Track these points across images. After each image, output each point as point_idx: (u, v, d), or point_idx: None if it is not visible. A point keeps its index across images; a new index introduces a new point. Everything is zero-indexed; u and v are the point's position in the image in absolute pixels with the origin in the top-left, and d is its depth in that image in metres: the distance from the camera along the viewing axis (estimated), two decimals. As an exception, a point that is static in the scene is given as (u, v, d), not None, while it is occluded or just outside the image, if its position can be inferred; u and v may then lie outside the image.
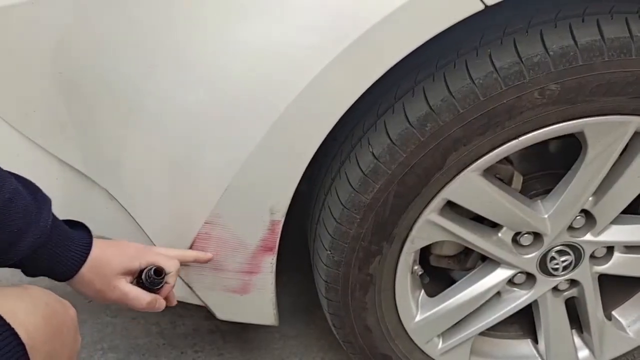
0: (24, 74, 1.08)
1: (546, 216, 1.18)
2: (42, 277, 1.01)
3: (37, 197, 0.95)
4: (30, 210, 0.92)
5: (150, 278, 1.07)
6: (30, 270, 0.99)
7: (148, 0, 1.00)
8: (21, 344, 0.71)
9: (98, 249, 1.03)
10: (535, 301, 1.33)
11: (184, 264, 1.15)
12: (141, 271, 1.08)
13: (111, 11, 1.02)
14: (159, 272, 1.08)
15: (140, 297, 1.07)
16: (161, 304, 1.10)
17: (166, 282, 1.10)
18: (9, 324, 0.71)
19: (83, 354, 1.56)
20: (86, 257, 1.02)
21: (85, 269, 1.02)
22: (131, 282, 1.08)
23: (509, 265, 1.26)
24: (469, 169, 1.08)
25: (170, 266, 1.10)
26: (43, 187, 1.19)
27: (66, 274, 1.01)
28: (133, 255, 1.07)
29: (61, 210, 1.23)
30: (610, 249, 1.30)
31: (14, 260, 0.94)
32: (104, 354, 1.58)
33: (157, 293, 1.10)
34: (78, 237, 1.02)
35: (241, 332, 1.64)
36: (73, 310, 0.86)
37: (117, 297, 1.06)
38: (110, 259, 1.04)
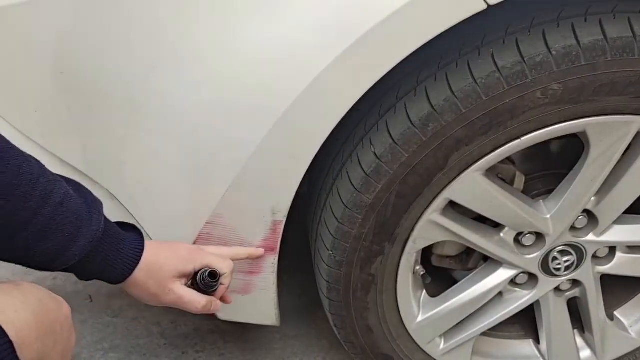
0: (25, 74, 1.08)
1: (548, 216, 1.18)
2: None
3: (87, 200, 0.95)
4: (81, 214, 0.91)
5: (205, 281, 1.07)
6: (83, 274, 0.99)
7: (151, 0, 1.00)
8: (9, 342, 0.70)
9: (151, 252, 1.03)
10: (537, 301, 1.33)
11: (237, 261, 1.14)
12: (196, 274, 1.07)
13: (112, 11, 1.02)
14: (214, 274, 1.08)
15: (196, 300, 1.07)
16: (217, 305, 1.11)
17: (221, 284, 1.09)
18: None
19: (84, 354, 1.56)
20: (139, 260, 1.01)
21: (138, 272, 1.01)
22: (186, 285, 1.07)
23: (511, 265, 1.25)
24: (471, 169, 1.07)
25: (224, 267, 1.09)
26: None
27: (119, 277, 1.01)
28: (187, 257, 1.06)
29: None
30: (612, 249, 1.29)
31: (67, 265, 0.93)
32: (105, 354, 1.58)
33: (212, 295, 1.10)
34: (130, 239, 1.02)
35: (242, 332, 1.63)
36: (67, 308, 0.84)
37: (172, 301, 1.06)
38: (163, 262, 1.04)
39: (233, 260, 1.11)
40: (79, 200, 0.92)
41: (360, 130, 1.10)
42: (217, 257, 1.09)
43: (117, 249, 0.99)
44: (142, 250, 1.02)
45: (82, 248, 0.92)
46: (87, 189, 0.97)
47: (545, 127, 1.04)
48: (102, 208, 0.98)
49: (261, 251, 1.13)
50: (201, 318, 1.66)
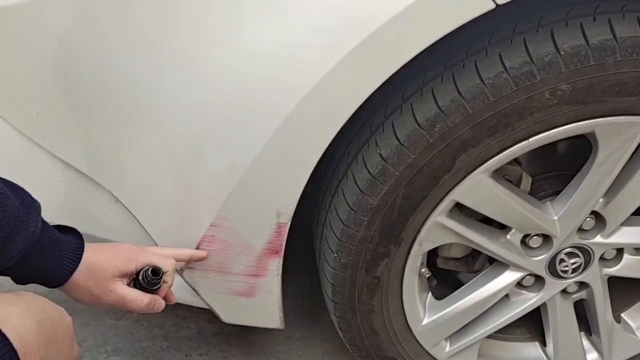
0: (27, 75, 1.07)
1: (555, 218, 1.17)
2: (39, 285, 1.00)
3: (25, 201, 0.92)
4: (18, 214, 0.89)
5: (148, 278, 1.05)
6: (21, 277, 0.97)
7: (152, 1, 0.99)
8: (13, 350, 0.69)
9: (91, 253, 1.01)
10: (544, 304, 1.32)
11: (180, 261, 1.14)
12: (138, 272, 1.06)
13: (115, 11, 1.01)
14: (156, 272, 1.06)
15: (139, 298, 1.05)
16: (160, 304, 1.09)
17: (164, 282, 1.08)
18: (0, 330, 0.69)
19: (86, 357, 1.55)
20: (78, 262, 0.99)
21: (78, 274, 1.00)
22: (128, 284, 1.06)
23: (518, 267, 1.24)
24: (478, 170, 1.06)
25: (166, 265, 1.08)
26: (46, 189, 1.18)
27: (58, 280, 0.99)
28: (127, 257, 1.05)
29: (64, 212, 1.23)
30: (619, 251, 1.28)
31: (3, 267, 0.91)
32: (108, 357, 1.56)
33: (156, 293, 1.08)
34: (69, 241, 1.00)
35: (245, 334, 1.62)
36: (69, 318, 0.84)
37: (115, 301, 1.04)
38: (104, 262, 1.02)
39: (176, 260, 1.11)
40: (15, 200, 0.90)
41: (366, 132, 1.09)
42: (159, 256, 1.08)
43: (55, 251, 0.97)
44: (82, 251, 1.00)
45: (19, 249, 0.90)
46: (24, 190, 0.94)
47: (553, 128, 1.03)
48: (40, 209, 0.96)
49: (204, 253, 1.13)
50: (204, 321, 1.65)
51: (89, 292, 1.02)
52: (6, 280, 1.67)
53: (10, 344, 0.69)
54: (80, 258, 1.00)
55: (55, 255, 0.97)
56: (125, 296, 1.04)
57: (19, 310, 0.73)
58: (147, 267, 1.06)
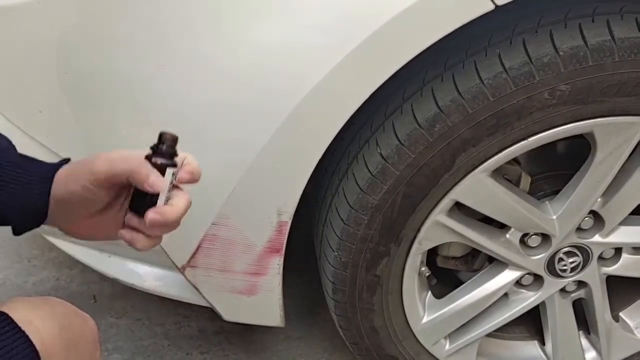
0: (30, 74, 1.07)
1: (554, 217, 1.18)
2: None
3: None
4: None
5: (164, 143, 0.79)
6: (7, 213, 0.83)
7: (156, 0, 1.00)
8: (35, 352, 0.70)
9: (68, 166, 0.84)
10: (543, 302, 1.33)
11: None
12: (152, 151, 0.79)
13: (118, 10, 1.01)
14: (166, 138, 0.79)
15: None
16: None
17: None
18: (23, 331, 0.70)
19: (87, 355, 1.56)
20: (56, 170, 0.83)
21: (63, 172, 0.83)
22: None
23: (517, 266, 1.25)
24: (477, 169, 1.07)
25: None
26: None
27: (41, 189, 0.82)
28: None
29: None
30: (618, 250, 1.29)
31: None
32: (109, 356, 1.57)
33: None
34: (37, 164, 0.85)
35: (246, 333, 1.63)
36: (92, 323, 0.83)
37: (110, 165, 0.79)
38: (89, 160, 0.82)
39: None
40: None
41: (366, 131, 1.10)
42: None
43: (23, 170, 0.82)
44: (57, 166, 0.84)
45: None
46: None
47: (552, 128, 1.04)
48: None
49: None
50: (205, 319, 1.66)
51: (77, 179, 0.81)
52: (8, 280, 1.68)
53: (33, 345, 0.70)
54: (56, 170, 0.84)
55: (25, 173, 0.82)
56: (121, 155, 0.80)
57: (43, 314, 0.74)
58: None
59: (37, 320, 0.72)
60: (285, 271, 1.19)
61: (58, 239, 1.40)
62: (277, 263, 1.16)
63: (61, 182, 0.82)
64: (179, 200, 0.80)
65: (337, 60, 0.93)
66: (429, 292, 1.30)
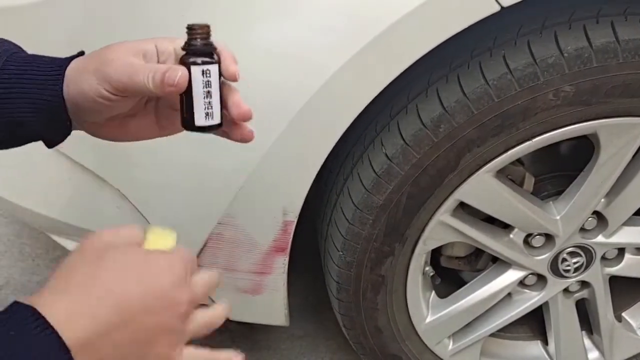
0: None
1: (558, 218, 1.18)
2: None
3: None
4: None
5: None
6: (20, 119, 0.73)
7: (161, 1, 1.00)
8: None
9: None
10: (546, 302, 1.33)
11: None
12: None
13: (123, 12, 1.02)
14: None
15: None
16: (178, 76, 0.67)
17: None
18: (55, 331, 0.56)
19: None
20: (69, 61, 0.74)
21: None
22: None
23: (520, 266, 1.26)
24: (482, 170, 1.07)
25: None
26: (55, 187, 1.19)
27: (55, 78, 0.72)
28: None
29: (72, 209, 1.24)
30: (621, 251, 1.30)
31: None
32: (113, 354, 1.57)
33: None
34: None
35: (249, 332, 1.63)
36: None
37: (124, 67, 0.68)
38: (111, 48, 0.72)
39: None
40: None
41: (371, 131, 1.11)
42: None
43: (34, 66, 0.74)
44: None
45: None
46: None
47: (556, 129, 1.04)
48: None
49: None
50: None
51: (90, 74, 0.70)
52: (12, 279, 1.68)
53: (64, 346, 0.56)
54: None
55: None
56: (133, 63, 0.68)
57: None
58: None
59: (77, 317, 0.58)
60: (289, 270, 1.20)
61: (62, 237, 1.41)
62: (282, 262, 1.17)
63: (73, 82, 0.71)
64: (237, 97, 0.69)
65: (342, 62, 0.94)
66: (433, 292, 1.30)
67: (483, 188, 1.10)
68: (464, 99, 1.01)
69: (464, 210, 1.18)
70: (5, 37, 1.11)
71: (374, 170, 1.08)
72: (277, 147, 1.01)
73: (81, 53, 0.76)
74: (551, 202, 1.20)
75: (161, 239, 0.69)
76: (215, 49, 0.67)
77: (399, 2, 0.90)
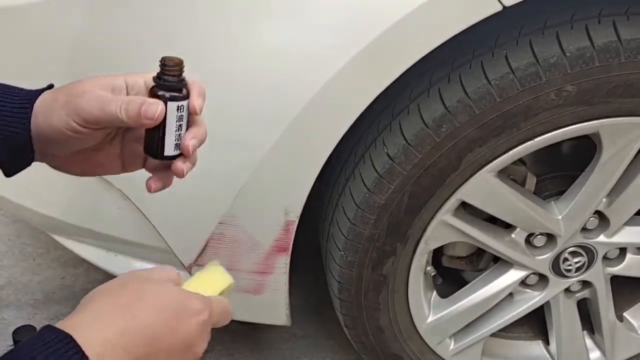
0: (40, 75, 1.08)
1: (560, 217, 1.18)
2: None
3: None
4: None
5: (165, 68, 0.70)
6: None
7: (165, 0, 1.00)
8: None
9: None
10: (547, 302, 1.33)
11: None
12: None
13: (127, 12, 1.02)
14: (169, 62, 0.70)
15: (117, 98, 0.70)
16: (151, 108, 0.69)
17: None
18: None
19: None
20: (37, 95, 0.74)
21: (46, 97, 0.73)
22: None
23: (522, 266, 1.25)
24: (484, 170, 1.08)
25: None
26: (57, 187, 1.19)
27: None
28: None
29: (74, 209, 1.24)
30: (623, 251, 1.30)
31: None
32: (114, 354, 1.58)
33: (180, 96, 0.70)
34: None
35: (251, 332, 1.63)
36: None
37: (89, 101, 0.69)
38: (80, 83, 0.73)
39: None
40: None
41: (373, 131, 1.11)
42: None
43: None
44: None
45: None
46: None
47: (558, 129, 1.04)
48: None
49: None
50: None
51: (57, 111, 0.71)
52: (13, 278, 1.68)
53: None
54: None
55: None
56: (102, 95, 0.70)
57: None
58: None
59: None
60: (291, 270, 1.20)
61: (63, 237, 1.41)
62: (283, 262, 1.17)
63: (42, 115, 0.72)
64: (197, 130, 0.72)
65: (344, 61, 0.94)
66: (435, 292, 1.30)
67: (485, 188, 1.10)
68: (466, 98, 1.01)
69: (466, 210, 1.18)
70: (6, 37, 1.11)
71: (376, 170, 1.08)
72: (278, 146, 1.01)
73: (50, 86, 0.77)
74: (553, 202, 1.20)
75: (207, 283, 0.76)
76: (186, 84, 0.71)
77: (401, 1, 0.90)
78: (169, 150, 0.71)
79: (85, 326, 0.60)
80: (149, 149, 0.72)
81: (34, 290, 1.74)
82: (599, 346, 1.41)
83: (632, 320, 1.42)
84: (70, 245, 1.42)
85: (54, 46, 1.04)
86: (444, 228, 1.16)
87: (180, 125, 0.70)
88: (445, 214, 1.13)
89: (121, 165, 0.79)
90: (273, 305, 1.25)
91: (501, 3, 0.91)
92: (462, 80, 1.01)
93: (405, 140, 1.05)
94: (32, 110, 0.72)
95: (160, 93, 0.69)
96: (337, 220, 1.18)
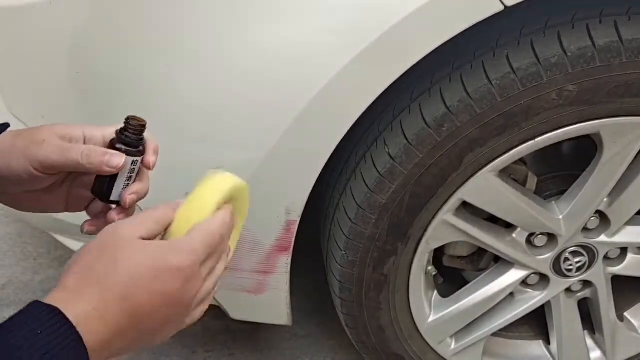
0: (40, 74, 1.08)
1: (561, 217, 1.18)
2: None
3: None
4: None
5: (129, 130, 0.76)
6: None
7: (165, 0, 1.01)
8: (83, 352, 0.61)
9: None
10: (548, 302, 1.33)
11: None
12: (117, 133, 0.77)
13: (128, 11, 1.02)
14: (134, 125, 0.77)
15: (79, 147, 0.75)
16: (113, 160, 0.75)
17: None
18: (77, 331, 0.60)
19: (94, 353, 1.56)
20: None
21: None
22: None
23: (523, 266, 1.26)
24: (485, 169, 1.08)
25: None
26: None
27: None
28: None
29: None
30: (624, 250, 1.30)
31: None
32: (115, 353, 1.58)
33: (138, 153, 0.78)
34: None
35: (252, 331, 1.64)
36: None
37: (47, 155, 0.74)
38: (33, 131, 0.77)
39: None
40: None
41: (374, 131, 1.11)
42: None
43: None
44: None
45: None
46: None
47: (559, 128, 1.04)
48: None
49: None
50: (210, 317, 1.66)
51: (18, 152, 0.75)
52: (14, 278, 1.68)
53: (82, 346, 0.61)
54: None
55: None
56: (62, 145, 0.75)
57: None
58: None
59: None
60: (292, 270, 1.20)
61: (65, 237, 1.41)
62: (285, 262, 1.17)
63: (0, 157, 0.76)
64: (140, 187, 0.79)
65: (346, 61, 0.94)
66: (436, 291, 1.30)
67: (486, 187, 1.11)
68: (467, 98, 1.01)
69: (467, 209, 1.18)
70: (5, 37, 1.11)
71: (377, 170, 1.08)
72: (280, 146, 1.01)
73: (6, 125, 0.81)
74: (554, 202, 1.20)
75: (195, 205, 0.73)
76: (145, 143, 0.78)
77: (403, 1, 0.90)
78: (115, 196, 0.78)
79: (65, 297, 0.62)
80: (97, 191, 0.79)
81: (35, 289, 1.74)
82: (600, 346, 1.41)
83: (632, 320, 1.42)
84: (71, 245, 1.42)
85: (54, 46, 1.04)
86: (445, 228, 1.16)
87: (131, 177, 0.78)
88: (447, 214, 1.13)
89: (65, 207, 0.84)
90: (274, 305, 1.25)
91: (502, 3, 0.91)
92: (464, 80, 1.01)
93: (407, 139, 1.05)
94: None
95: (121, 147, 0.76)
96: (338, 219, 1.18)
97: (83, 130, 0.78)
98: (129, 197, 0.78)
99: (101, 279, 0.64)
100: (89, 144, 0.77)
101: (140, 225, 0.69)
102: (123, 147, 0.76)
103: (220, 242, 0.71)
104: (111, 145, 0.77)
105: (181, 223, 0.71)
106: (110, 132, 0.78)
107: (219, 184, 0.74)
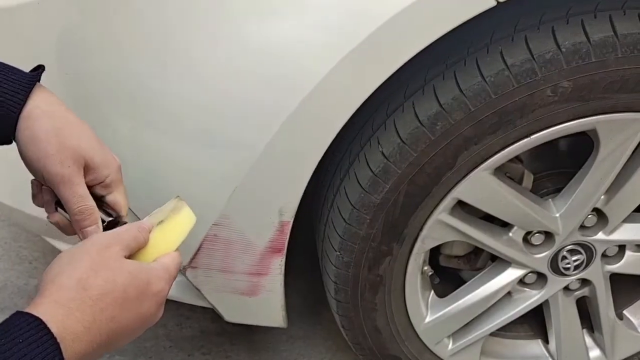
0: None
1: (557, 215, 1.17)
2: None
3: None
4: None
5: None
6: None
7: None
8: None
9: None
10: (546, 301, 1.32)
11: None
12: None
13: (119, 10, 1.01)
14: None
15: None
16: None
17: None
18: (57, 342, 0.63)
19: (89, 357, 1.55)
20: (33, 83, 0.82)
21: (35, 102, 0.81)
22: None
23: (520, 264, 1.24)
24: (480, 168, 1.06)
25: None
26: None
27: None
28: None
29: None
30: (622, 248, 1.29)
31: None
32: (111, 357, 1.57)
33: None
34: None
35: (248, 333, 1.63)
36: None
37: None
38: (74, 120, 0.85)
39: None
40: None
41: (368, 130, 1.10)
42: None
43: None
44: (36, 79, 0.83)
45: None
46: None
47: (554, 125, 1.03)
48: None
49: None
50: (207, 320, 1.66)
51: (45, 149, 0.81)
52: (9, 282, 1.67)
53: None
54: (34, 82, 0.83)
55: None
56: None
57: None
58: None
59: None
60: (286, 271, 1.19)
61: (60, 241, 1.40)
62: (278, 263, 1.16)
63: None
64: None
65: (338, 59, 0.93)
66: (432, 291, 1.29)
67: (481, 186, 1.09)
68: (461, 95, 1.00)
69: (463, 208, 1.17)
70: (4, 37, 1.10)
71: (371, 169, 1.07)
72: (272, 146, 1.00)
73: (41, 68, 0.86)
74: (550, 200, 1.19)
75: (173, 230, 0.83)
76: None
77: (393, -1, 0.89)
78: None
79: (47, 309, 0.65)
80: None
81: (30, 293, 1.73)
82: (599, 344, 1.40)
83: (631, 318, 1.41)
84: (66, 249, 1.41)
85: (44, 47, 1.04)
86: (441, 227, 1.15)
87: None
88: (442, 213, 1.12)
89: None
90: (269, 307, 1.24)
91: (495, -1, 0.90)
92: (457, 78, 1.00)
93: (400, 138, 1.04)
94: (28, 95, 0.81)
95: (106, 226, 0.84)
96: (332, 220, 1.17)
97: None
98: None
99: (97, 302, 0.67)
100: (103, 172, 0.86)
101: (125, 242, 0.74)
102: (107, 227, 0.84)
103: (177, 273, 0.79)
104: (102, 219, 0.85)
105: (151, 250, 0.78)
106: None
107: (186, 224, 0.86)
